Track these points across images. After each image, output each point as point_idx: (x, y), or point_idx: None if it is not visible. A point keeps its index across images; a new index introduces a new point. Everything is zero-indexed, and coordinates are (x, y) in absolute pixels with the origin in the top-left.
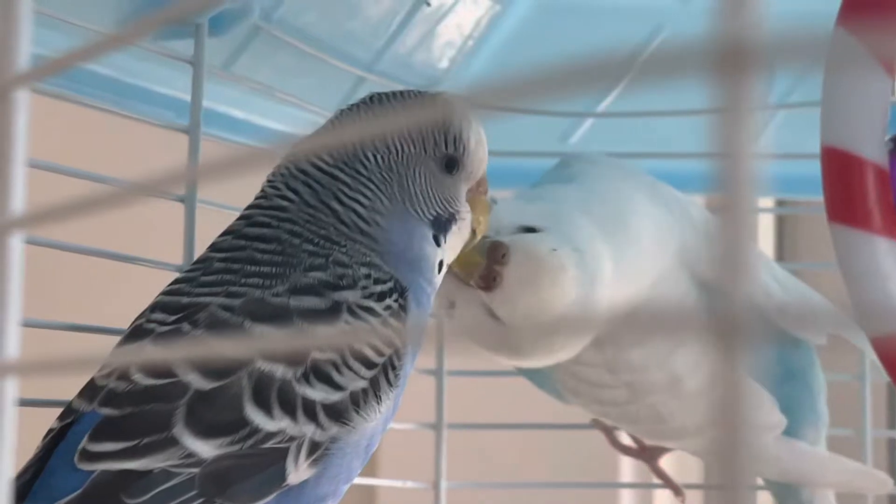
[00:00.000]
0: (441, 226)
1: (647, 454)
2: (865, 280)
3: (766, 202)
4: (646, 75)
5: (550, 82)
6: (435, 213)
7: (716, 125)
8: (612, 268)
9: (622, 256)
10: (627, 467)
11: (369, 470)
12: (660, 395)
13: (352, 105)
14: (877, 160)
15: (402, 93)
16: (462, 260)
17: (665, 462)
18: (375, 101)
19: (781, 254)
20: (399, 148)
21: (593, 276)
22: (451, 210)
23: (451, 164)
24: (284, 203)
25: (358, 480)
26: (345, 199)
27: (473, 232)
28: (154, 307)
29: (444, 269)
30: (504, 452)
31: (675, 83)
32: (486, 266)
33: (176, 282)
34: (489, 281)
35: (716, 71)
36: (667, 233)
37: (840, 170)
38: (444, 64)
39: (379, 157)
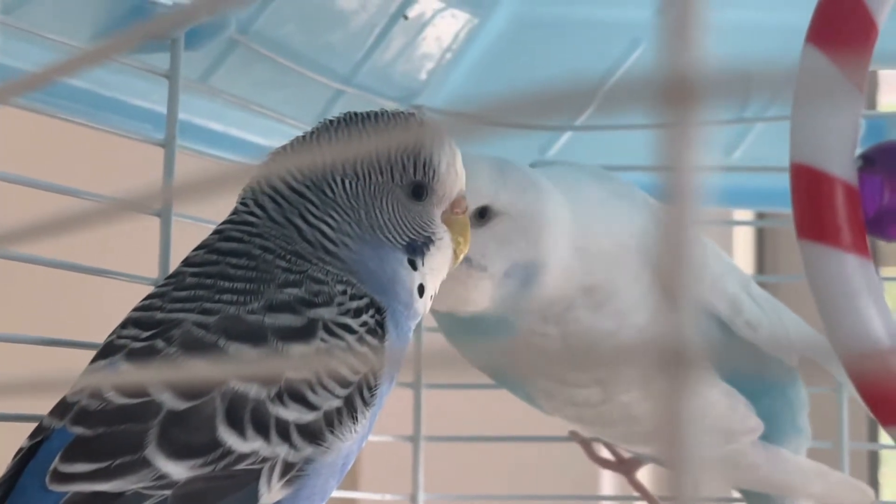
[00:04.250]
0: (416, 250)
1: (625, 466)
2: (835, 297)
3: (746, 215)
4: (605, 105)
5: (517, 108)
6: (408, 239)
7: (662, 148)
8: (564, 203)
9: (574, 213)
10: (608, 480)
11: (349, 482)
12: (633, 394)
13: (328, 122)
14: (846, 177)
15: (376, 113)
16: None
17: (643, 475)
18: (350, 120)
19: (761, 267)
20: (367, 176)
21: (510, 164)
22: (425, 234)
23: (419, 191)
24: (252, 219)
25: (337, 493)
26: (311, 219)
27: (455, 252)
28: (126, 323)
29: (428, 293)
30: (483, 465)
31: (629, 112)
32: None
33: (149, 297)
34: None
35: (662, 102)
36: (625, 226)
37: (809, 187)
38: (423, 76)
39: (347, 182)
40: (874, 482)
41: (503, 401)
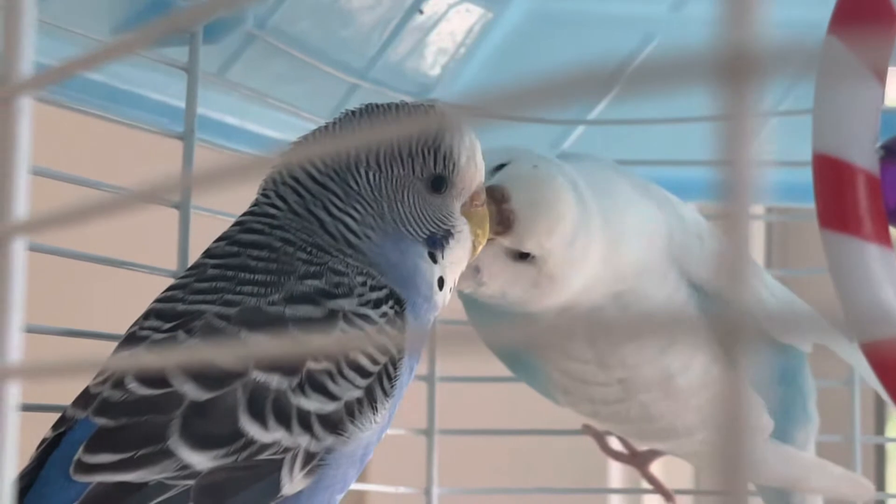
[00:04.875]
0: (436, 243)
1: (638, 459)
2: (856, 286)
3: (757, 209)
4: (646, 83)
5: (549, 92)
6: (428, 232)
7: (719, 133)
8: (599, 214)
9: (608, 221)
10: (617, 473)
11: (361, 475)
12: (651, 393)
13: (349, 112)
14: (867, 167)
15: (396, 105)
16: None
17: (655, 467)
18: (370, 111)
19: (770, 260)
20: (389, 169)
21: (581, 196)
22: (444, 227)
23: (440, 184)
24: (273, 211)
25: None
26: (334, 211)
27: (474, 244)
28: (148, 314)
29: (447, 285)
30: (495, 458)
31: (675, 91)
32: (496, 211)
33: (170, 288)
34: (507, 223)
35: (719, 79)
36: (654, 227)
37: (831, 177)
38: (437, 71)
39: (371, 174)
40: (881, 476)
41: (515, 394)
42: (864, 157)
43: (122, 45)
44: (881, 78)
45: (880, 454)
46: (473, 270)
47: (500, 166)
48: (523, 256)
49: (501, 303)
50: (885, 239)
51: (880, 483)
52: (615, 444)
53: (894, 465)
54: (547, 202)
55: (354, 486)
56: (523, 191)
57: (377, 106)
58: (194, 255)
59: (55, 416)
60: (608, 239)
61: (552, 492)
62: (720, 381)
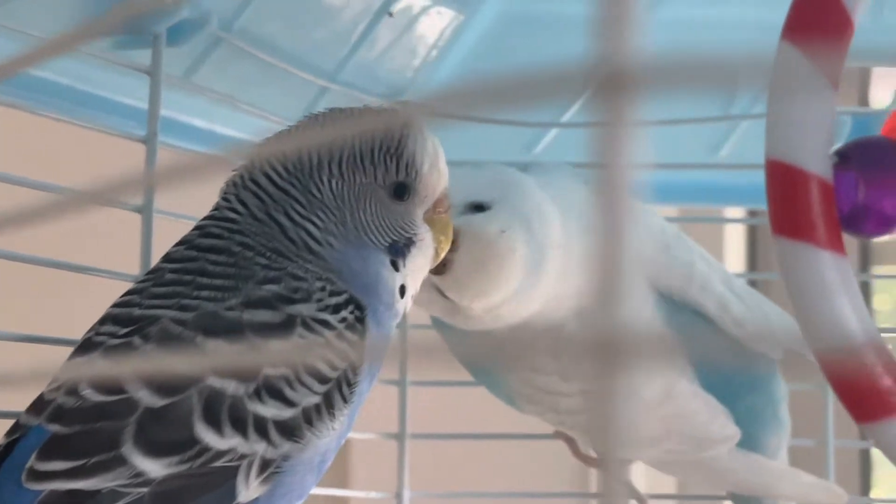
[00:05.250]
0: (398, 251)
1: None
2: (810, 293)
3: (737, 212)
4: (528, 93)
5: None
6: (390, 240)
7: (594, 141)
8: (560, 232)
9: (570, 233)
10: (596, 477)
11: (339, 480)
12: None
13: (312, 115)
14: (821, 173)
15: (360, 109)
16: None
17: (638, 473)
18: (333, 115)
19: (753, 264)
20: (351, 176)
21: (542, 246)
22: (406, 235)
23: (402, 191)
24: (233, 215)
25: (325, 491)
26: (296, 217)
27: (436, 250)
28: (105, 319)
29: (409, 293)
30: (470, 462)
31: (556, 100)
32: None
33: (127, 293)
34: (439, 266)
35: (596, 91)
36: None
37: (784, 183)
38: (409, 73)
39: (333, 181)
40: (866, 482)
41: (489, 398)
42: (818, 163)
43: (67, 40)
44: (835, 84)
45: (865, 459)
46: (439, 294)
47: (479, 207)
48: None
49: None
50: (838, 246)
51: (865, 488)
52: (589, 449)
53: (882, 471)
54: (488, 275)
55: (330, 492)
56: (474, 251)
57: (340, 110)
58: (157, 260)
59: (9, 423)
60: (571, 259)
61: (528, 496)
62: (597, 396)
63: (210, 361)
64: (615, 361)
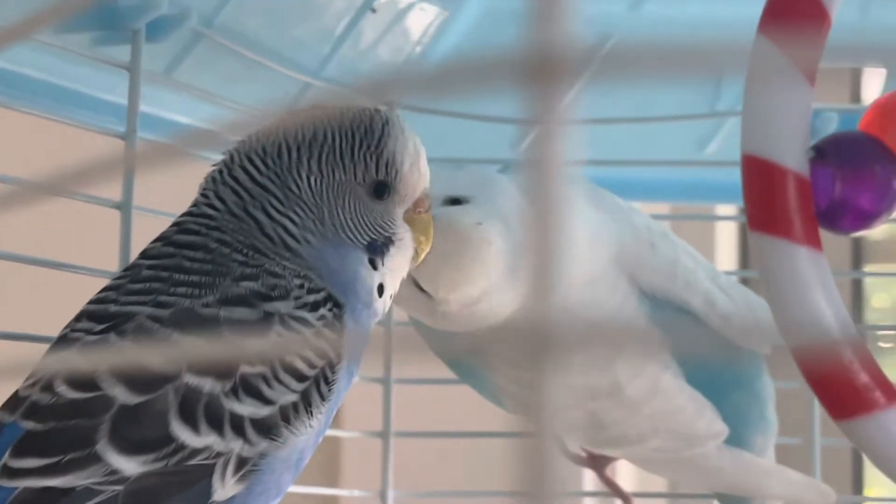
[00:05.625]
0: (377, 250)
1: (595, 462)
2: (786, 289)
3: (729, 209)
4: (453, 83)
5: (378, 88)
6: (369, 239)
7: (525, 133)
8: None
9: None
10: (590, 475)
11: (329, 479)
12: (601, 402)
13: (293, 109)
14: (797, 169)
15: (342, 106)
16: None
17: (627, 472)
18: (314, 109)
19: (745, 261)
20: (330, 174)
21: (520, 245)
22: (385, 234)
23: (382, 190)
24: (211, 211)
25: (314, 490)
26: (274, 214)
27: (416, 250)
28: (81, 316)
29: (388, 292)
30: (455, 461)
31: (481, 92)
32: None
33: (104, 290)
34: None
35: (524, 80)
36: (604, 235)
37: (760, 178)
38: (390, 70)
39: (312, 178)
40: (858, 480)
41: (474, 396)
42: (794, 158)
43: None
44: (811, 78)
45: (857, 458)
46: (426, 297)
47: (457, 201)
48: (421, 288)
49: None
50: (814, 241)
51: (857, 487)
52: (574, 447)
53: (873, 469)
54: (462, 265)
55: (319, 491)
56: (447, 241)
57: (324, 105)
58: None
59: None
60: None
61: (510, 495)
62: (533, 390)
63: (186, 356)
64: (545, 353)
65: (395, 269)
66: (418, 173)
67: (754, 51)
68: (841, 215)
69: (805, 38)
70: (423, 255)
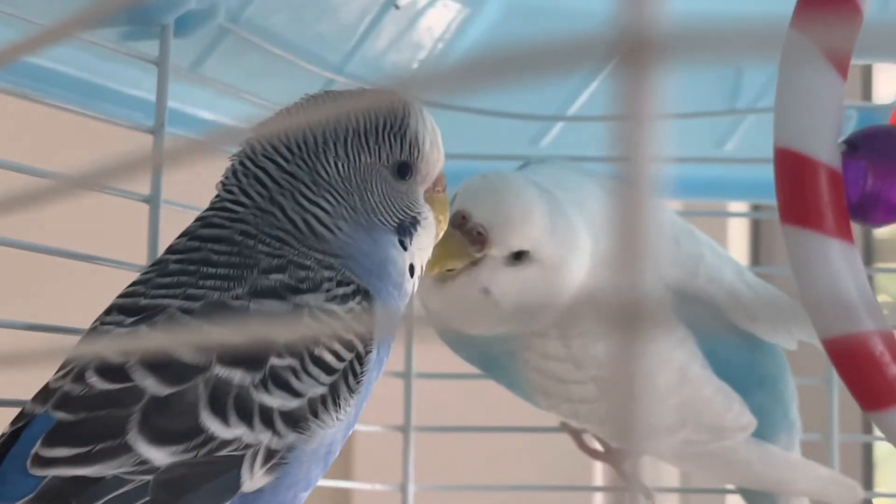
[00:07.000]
0: (405, 230)
1: (614, 457)
2: (817, 281)
3: (741, 206)
4: (542, 66)
5: (464, 76)
6: (398, 220)
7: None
8: (576, 211)
9: (592, 236)
10: (601, 470)
11: (342, 472)
12: None
13: (310, 96)
14: (830, 162)
15: (357, 91)
16: (443, 251)
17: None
18: (332, 95)
19: (757, 258)
20: (356, 157)
21: (553, 199)
22: (411, 214)
23: (405, 170)
24: (233, 205)
25: (329, 483)
26: (303, 202)
27: (435, 231)
28: (111, 309)
29: (417, 272)
30: (475, 455)
31: (572, 74)
32: (463, 235)
33: (133, 284)
34: (480, 238)
35: (618, 64)
36: None
37: (793, 171)
38: (414, 66)
39: (339, 163)
40: (868, 476)
41: (495, 390)
42: (827, 151)
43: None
44: (843, 71)
45: (868, 454)
46: (483, 292)
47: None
48: (519, 257)
49: (511, 328)
50: (846, 234)
51: (868, 483)
52: (593, 441)
53: (884, 466)
54: (507, 200)
55: (334, 483)
56: (480, 201)
57: (338, 91)
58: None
59: (11, 413)
60: (593, 255)
61: (533, 489)
62: (619, 367)
63: (219, 343)
64: (638, 328)
65: (423, 248)
66: (437, 151)
67: (787, 44)
68: (872, 209)
69: (838, 31)
70: (441, 234)
